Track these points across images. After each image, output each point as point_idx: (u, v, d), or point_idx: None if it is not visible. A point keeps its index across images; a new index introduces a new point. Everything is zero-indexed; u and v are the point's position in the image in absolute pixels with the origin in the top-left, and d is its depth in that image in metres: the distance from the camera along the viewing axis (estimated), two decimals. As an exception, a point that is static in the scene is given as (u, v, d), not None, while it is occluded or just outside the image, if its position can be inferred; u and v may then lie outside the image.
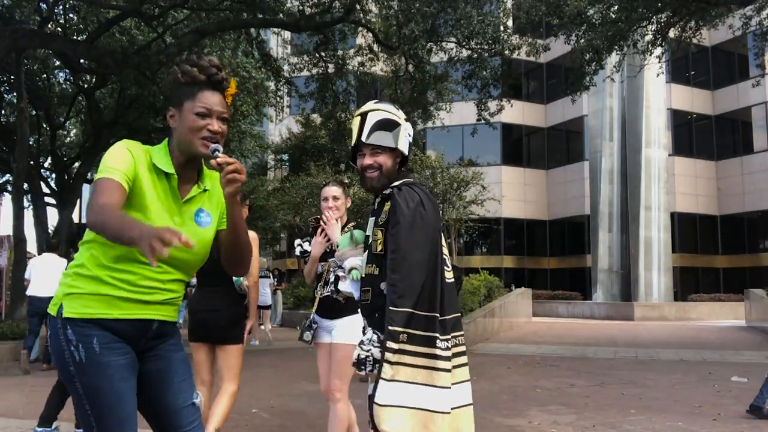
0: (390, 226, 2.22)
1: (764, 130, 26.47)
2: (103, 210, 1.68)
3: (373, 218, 2.38)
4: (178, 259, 1.88)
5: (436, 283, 2.20)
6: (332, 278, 2.50)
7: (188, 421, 1.97)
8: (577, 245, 28.50)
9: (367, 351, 2.14)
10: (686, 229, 27.42)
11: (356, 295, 2.39)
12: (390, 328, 2.07)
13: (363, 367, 2.16)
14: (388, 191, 2.34)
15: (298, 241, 3.74)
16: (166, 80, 1.87)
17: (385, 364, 2.07)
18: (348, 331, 3.42)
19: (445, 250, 2.34)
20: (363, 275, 2.37)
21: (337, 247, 2.50)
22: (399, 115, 2.39)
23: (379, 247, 2.28)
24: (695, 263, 27.40)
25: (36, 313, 8.21)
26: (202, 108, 1.90)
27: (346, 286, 2.42)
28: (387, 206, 2.31)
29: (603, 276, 25.47)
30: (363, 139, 2.31)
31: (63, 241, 11.41)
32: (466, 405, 2.25)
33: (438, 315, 2.18)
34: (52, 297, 7.32)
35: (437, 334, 2.15)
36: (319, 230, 3.47)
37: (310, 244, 3.59)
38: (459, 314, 2.34)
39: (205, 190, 2.00)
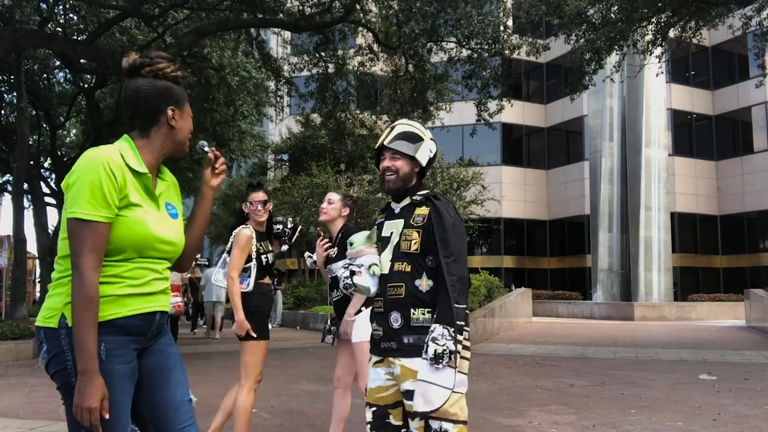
0: (438, 231, 2.44)
1: (764, 130, 26.47)
2: (91, 296, 1.72)
3: (399, 220, 2.58)
4: (168, 252, 1.95)
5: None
6: (346, 273, 2.60)
7: (186, 417, 1.94)
8: (577, 245, 28.50)
9: (443, 345, 2.28)
10: (686, 229, 27.42)
11: (373, 289, 2.53)
12: (458, 323, 2.33)
13: (441, 361, 2.28)
14: (418, 197, 2.57)
15: (307, 254, 4.27)
16: (157, 82, 1.80)
17: (461, 359, 2.34)
18: (358, 331, 3.75)
19: None
20: (386, 272, 2.52)
21: (351, 245, 2.63)
22: (425, 133, 2.65)
23: (414, 247, 2.48)
24: (695, 263, 27.40)
25: None
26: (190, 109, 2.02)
27: (364, 280, 2.52)
28: (421, 210, 2.54)
29: (603, 276, 25.46)
30: (386, 143, 2.59)
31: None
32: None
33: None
34: None
35: (468, 327, 2.44)
36: (318, 240, 4.05)
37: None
38: None
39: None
